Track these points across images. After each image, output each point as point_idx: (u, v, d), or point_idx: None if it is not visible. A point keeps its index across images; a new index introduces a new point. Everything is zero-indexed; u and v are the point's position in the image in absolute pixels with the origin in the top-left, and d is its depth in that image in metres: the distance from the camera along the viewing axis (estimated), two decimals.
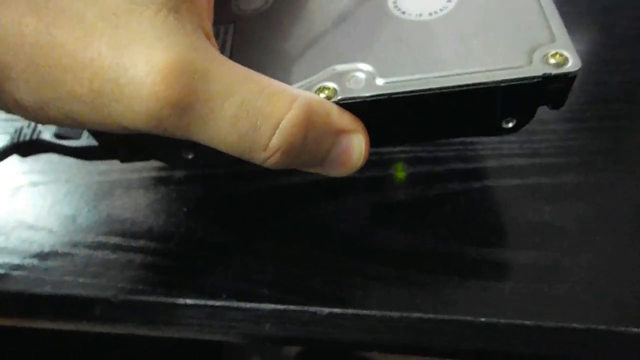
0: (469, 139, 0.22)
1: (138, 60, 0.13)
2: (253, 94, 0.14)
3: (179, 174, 0.23)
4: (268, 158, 0.15)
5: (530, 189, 0.20)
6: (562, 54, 0.15)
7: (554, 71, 0.15)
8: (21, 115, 0.15)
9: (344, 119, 0.16)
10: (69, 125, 0.15)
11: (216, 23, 0.19)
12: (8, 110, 0.15)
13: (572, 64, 0.15)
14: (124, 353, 0.40)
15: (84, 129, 0.20)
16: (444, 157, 0.22)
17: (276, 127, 0.14)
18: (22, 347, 0.34)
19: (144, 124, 0.14)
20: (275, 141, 0.14)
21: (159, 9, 0.14)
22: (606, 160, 0.21)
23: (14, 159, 0.22)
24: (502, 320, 0.17)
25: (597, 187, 0.20)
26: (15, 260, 0.21)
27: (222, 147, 0.15)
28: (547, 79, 0.15)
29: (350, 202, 0.21)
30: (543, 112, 0.17)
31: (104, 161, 0.22)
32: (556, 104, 0.16)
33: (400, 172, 0.22)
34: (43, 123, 0.16)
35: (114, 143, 0.19)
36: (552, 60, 0.15)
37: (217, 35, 0.19)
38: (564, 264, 0.18)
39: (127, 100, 0.13)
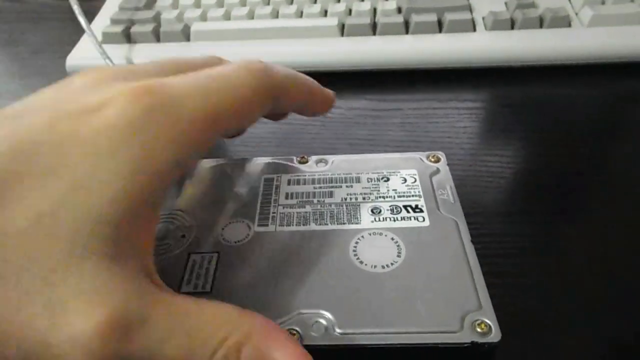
0: None
1: (74, 319, 0.13)
2: (194, 330, 0.14)
3: None
4: None
5: None
6: (487, 324, 0.18)
7: (480, 340, 0.18)
8: None
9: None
10: None
11: (202, 251, 0.22)
12: None
13: (494, 334, 0.18)
14: None
15: None
16: None
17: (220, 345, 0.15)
18: None
19: None
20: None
21: (100, 259, 0.14)
22: None
23: None
24: None
25: None
26: None
27: None
28: (475, 344, 0.18)
29: None
30: None
31: None
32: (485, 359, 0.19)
33: None
34: None
35: None
36: (478, 329, 0.18)
37: (201, 264, 0.21)
38: None
39: (62, 358, 0.13)
